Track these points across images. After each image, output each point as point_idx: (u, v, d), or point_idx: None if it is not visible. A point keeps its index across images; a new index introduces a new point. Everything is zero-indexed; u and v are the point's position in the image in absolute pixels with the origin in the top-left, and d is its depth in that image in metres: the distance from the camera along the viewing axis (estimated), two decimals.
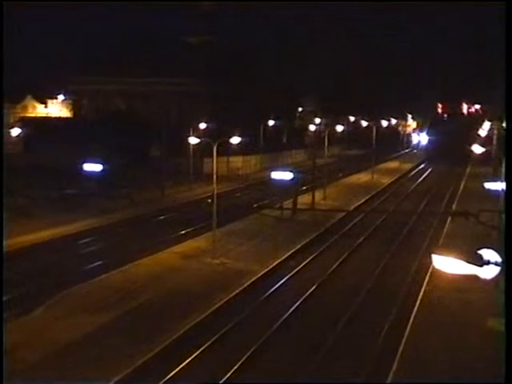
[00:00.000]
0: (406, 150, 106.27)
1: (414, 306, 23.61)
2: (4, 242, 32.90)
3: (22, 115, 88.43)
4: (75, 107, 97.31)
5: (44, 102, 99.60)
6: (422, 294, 25.10)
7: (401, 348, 19.39)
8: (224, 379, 17.97)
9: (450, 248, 11.52)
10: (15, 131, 49.36)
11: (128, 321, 21.73)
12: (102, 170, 40.38)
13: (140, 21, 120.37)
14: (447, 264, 11.47)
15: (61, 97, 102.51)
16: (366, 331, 22.08)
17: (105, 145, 56.66)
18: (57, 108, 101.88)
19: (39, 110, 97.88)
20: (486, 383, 16.39)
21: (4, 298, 24.86)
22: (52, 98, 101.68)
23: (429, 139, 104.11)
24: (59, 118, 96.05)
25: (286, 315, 23.48)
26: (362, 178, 68.79)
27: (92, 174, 42.01)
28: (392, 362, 18.34)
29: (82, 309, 22.71)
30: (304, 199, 47.16)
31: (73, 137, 62.95)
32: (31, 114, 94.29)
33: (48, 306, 23.17)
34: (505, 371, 10.13)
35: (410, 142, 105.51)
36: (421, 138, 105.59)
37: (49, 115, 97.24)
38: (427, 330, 21.15)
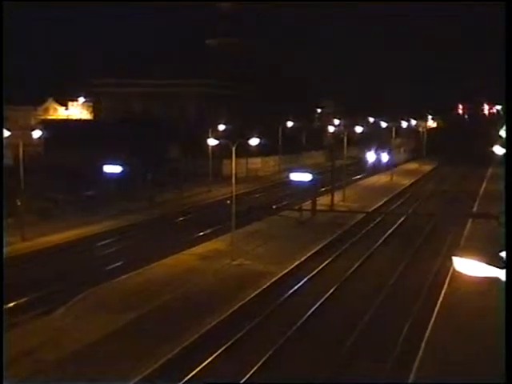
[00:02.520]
0: None
1: (435, 307, 23.43)
2: (22, 244, 33.48)
3: (43, 117, 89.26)
4: (95, 109, 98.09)
5: (65, 105, 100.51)
6: (442, 296, 24.87)
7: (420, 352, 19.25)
8: (244, 380, 18.02)
9: (470, 250, 11.41)
10: (36, 133, 49.83)
11: (149, 321, 21.80)
12: (122, 172, 40.65)
13: (160, 23, 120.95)
14: (468, 266, 11.33)
15: (81, 99, 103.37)
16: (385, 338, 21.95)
17: (124, 146, 57.01)
18: (77, 110, 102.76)
19: (60, 113, 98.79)
20: (487, 383, 16.26)
21: (25, 299, 25.22)
22: (73, 101, 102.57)
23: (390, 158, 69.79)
24: (79, 120, 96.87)
25: (306, 316, 23.46)
26: (382, 179, 68.42)
27: (112, 175, 42.32)
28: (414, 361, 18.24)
29: (103, 309, 22.84)
30: (323, 200, 47.05)
31: (93, 139, 63.45)
32: (52, 116, 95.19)
33: (69, 306, 23.33)
34: (505, 371, 10.06)
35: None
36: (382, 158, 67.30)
37: (69, 117, 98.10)
38: (445, 330, 20.97)
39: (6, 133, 45.98)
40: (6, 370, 16.57)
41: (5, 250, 31.13)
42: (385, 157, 66.81)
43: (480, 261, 11.19)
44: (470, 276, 11.22)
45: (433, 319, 22.01)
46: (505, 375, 10.04)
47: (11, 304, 24.45)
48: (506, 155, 15.05)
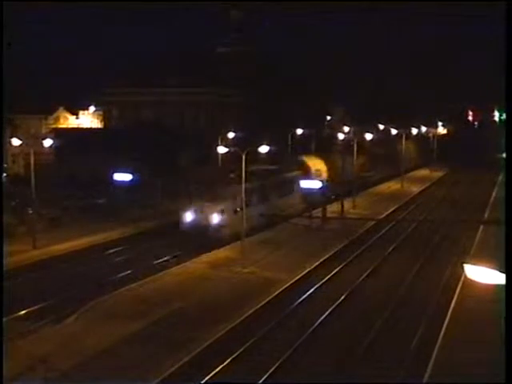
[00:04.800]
0: None
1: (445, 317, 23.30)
2: (33, 252, 33.63)
3: (54, 126, 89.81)
4: (106, 118, 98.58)
5: (75, 113, 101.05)
6: (453, 302, 24.73)
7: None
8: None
9: (482, 257, 11.33)
10: (47, 142, 50.16)
11: (159, 329, 21.82)
12: (132, 180, 40.79)
13: (170, 31, 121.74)
14: (480, 273, 11.25)
15: (92, 108, 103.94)
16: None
17: (134, 155, 57.21)
18: (88, 119, 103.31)
19: (71, 121, 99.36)
20: (486, 383, 16.13)
21: (36, 307, 25.33)
22: (83, 110, 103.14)
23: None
24: (90, 128, 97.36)
25: (319, 321, 23.46)
26: (392, 186, 68.17)
27: (122, 183, 42.46)
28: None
29: (114, 317, 22.87)
30: (333, 208, 46.88)
31: (103, 147, 63.71)
32: (63, 125, 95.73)
33: (80, 314, 23.38)
34: (505, 371, 10.00)
35: None
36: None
37: (80, 126, 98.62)
38: (454, 333, 20.85)
39: (17, 141, 46.45)
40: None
41: (16, 258, 31.38)
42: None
43: (491, 268, 11.12)
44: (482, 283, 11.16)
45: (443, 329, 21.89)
46: (505, 375, 10.00)
47: (23, 312, 24.61)
48: (506, 156, 14.96)
